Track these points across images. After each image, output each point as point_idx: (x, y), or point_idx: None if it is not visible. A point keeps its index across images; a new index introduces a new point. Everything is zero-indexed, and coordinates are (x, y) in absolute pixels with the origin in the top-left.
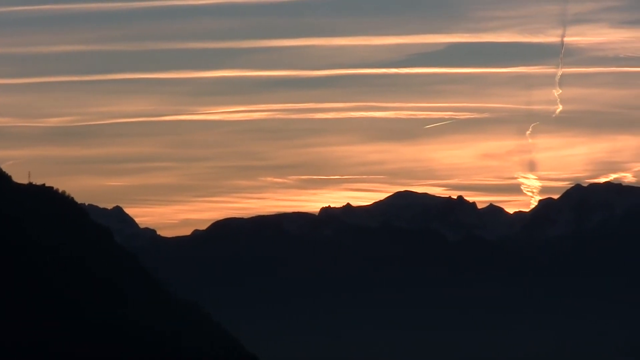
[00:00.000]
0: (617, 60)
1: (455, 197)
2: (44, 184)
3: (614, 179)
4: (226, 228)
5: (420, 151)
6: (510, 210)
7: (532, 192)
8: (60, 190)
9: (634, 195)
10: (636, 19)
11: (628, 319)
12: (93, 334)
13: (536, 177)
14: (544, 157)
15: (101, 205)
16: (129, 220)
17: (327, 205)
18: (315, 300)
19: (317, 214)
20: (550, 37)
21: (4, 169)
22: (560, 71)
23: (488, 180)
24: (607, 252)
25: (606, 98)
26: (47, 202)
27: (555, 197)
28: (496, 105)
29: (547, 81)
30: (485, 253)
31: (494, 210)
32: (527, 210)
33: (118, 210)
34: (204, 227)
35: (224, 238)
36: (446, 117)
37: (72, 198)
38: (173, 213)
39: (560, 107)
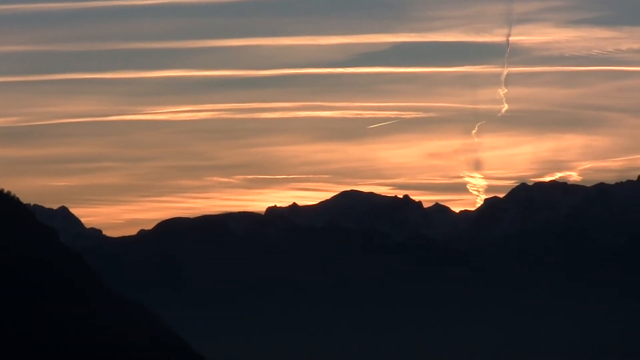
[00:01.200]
0: (562, 60)
1: (401, 197)
2: None
3: (559, 177)
4: (172, 228)
5: (366, 150)
6: (457, 209)
7: (478, 191)
8: (5, 191)
9: (578, 194)
10: (581, 18)
11: (572, 315)
12: (38, 333)
13: (482, 176)
14: (490, 156)
15: (47, 206)
16: (74, 221)
17: (273, 205)
18: (263, 299)
19: (263, 214)
20: (495, 37)
21: None
22: (506, 70)
23: (434, 180)
24: (552, 250)
25: (552, 97)
26: None
27: (501, 195)
28: (442, 105)
29: (492, 80)
30: (431, 252)
31: (440, 210)
32: (473, 209)
33: (64, 211)
34: (149, 226)
35: (170, 238)
36: (392, 116)
37: (18, 198)
38: (119, 213)
39: (506, 107)
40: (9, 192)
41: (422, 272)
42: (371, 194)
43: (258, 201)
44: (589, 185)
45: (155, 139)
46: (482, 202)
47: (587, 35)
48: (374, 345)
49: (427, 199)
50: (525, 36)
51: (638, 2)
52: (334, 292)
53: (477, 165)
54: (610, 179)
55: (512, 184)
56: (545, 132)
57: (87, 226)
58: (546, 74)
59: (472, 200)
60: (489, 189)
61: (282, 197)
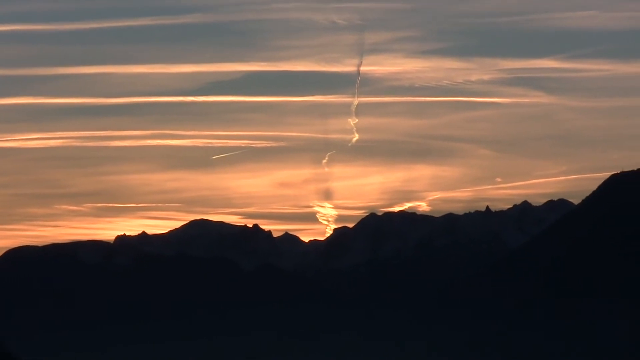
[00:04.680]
0: (412, 90)
1: (251, 226)
2: None
3: (409, 207)
4: (20, 256)
5: (216, 179)
6: (306, 238)
7: (328, 221)
8: None
9: (427, 224)
10: (431, 49)
11: (424, 340)
12: None
13: (332, 206)
14: (340, 186)
15: None
16: None
17: (122, 234)
18: (111, 328)
19: (112, 242)
20: (346, 67)
21: None
22: (357, 100)
23: (284, 209)
24: (401, 280)
25: (402, 127)
26: None
27: (351, 225)
28: (292, 134)
29: (343, 110)
30: (280, 281)
31: (289, 239)
32: (322, 238)
33: None
34: None
35: (18, 266)
36: (243, 145)
37: None
38: None
39: (356, 136)
40: None
41: (272, 301)
42: (221, 223)
43: (107, 230)
44: (437, 215)
45: (4, 167)
46: (331, 232)
47: (437, 66)
48: None
49: (277, 229)
50: (376, 66)
51: (488, 34)
52: (183, 320)
53: (327, 195)
54: (458, 209)
55: (361, 213)
56: (395, 162)
57: None
58: (396, 104)
59: (321, 229)
60: (338, 218)
61: (131, 226)
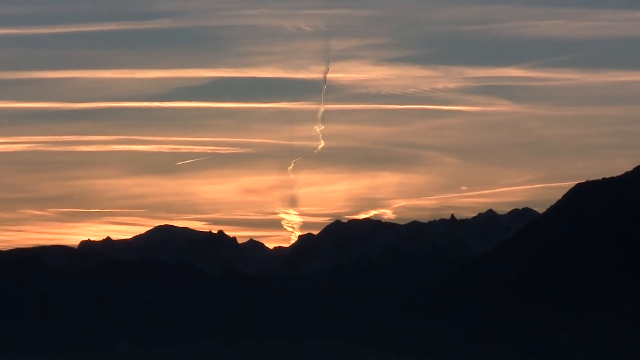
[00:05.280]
0: (379, 98)
1: (216, 232)
2: None
3: (374, 215)
4: None
5: (181, 185)
6: (271, 245)
7: (293, 228)
8: None
9: (392, 232)
10: (398, 56)
11: (387, 347)
12: None
13: (297, 213)
14: (305, 192)
15: None
16: None
17: (86, 239)
18: (74, 333)
19: (76, 247)
20: (313, 73)
21: None
22: (323, 107)
23: (249, 215)
24: (366, 288)
25: (368, 135)
26: None
27: (316, 232)
28: (258, 141)
29: (309, 117)
30: (245, 288)
31: (254, 245)
32: (287, 245)
33: None
34: None
35: None
36: (208, 151)
37: None
38: None
39: (322, 143)
40: None
41: (236, 308)
42: (186, 228)
43: (72, 235)
44: (402, 223)
45: None
46: (296, 239)
47: (403, 73)
48: None
49: (241, 235)
50: (343, 73)
51: (455, 42)
52: (147, 326)
53: (293, 202)
54: (423, 217)
55: (326, 220)
56: (361, 169)
57: None
58: (363, 111)
59: (286, 236)
60: (303, 225)
61: (96, 231)
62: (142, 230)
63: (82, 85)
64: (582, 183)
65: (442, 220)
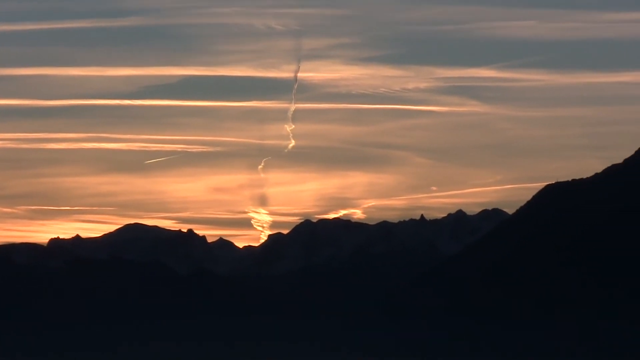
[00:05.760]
0: (349, 97)
1: (185, 231)
2: None
3: (344, 215)
4: None
5: (151, 183)
6: (240, 244)
7: (263, 227)
8: None
9: (362, 232)
10: (369, 56)
11: (354, 348)
12: None
13: (267, 212)
14: (275, 192)
15: None
16: None
17: (56, 237)
18: (43, 332)
19: (45, 245)
20: (284, 72)
21: None
22: (294, 106)
23: (219, 214)
24: (335, 287)
25: (338, 134)
26: None
27: (285, 232)
28: (229, 139)
29: (280, 116)
30: (215, 287)
31: (224, 244)
32: (256, 244)
33: None
34: None
35: None
36: (179, 150)
37: None
38: None
39: (292, 143)
40: None
41: (206, 306)
42: (156, 227)
43: (41, 232)
44: (372, 223)
45: None
46: (266, 238)
47: (374, 73)
48: None
49: (211, 234)
50: (314, 73)
51: (425, 42)
52: (117, 325)
53: (263, 201)
54: (393, 217)
55: (296, 220)
56: (331, 169)
57: None
58: (333, 111)
59: (256, 235)
60: (273, 224)
61: (65, 229)
62: (111, 228)
63: (52, 82)
64: (552, 184)
65: (412, 221)
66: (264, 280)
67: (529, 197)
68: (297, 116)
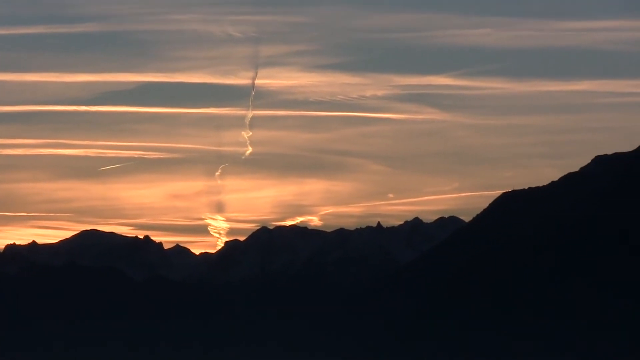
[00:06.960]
0: (306, 104)
1: (142, 237)
2: None
3: (300, 222)
4: None
5: (107, 190)
6: (197, 250)
7: (219, 234)
8: None
9: (318, 239)
10: (326, 63)
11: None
12: None
13: (224, 219)
14: (233, 198)
15: None
16: None
17: (12, 243)
18: (2, 336)
19: (1, 251)
20: (241, 79)
21: None
22: (251, 113)
23: (175, 221)
24: (291, 294)
25: (295, 141)
26: None
27: (242, 238)
28: (186, 146)
29: (237, 123)
30: (170, 293)
31: (180, 251)
32: (213, 251)
33: None
34: None
35: None
36: (135, 156)
37: None
38: None
39: (250, 149)
40: None
41: (161, 313)
42: (112, 233)
43: None
44: (328, 230)
45: None
46: (222, 245)
47: (331, 80)
48: None
49: (167, 240)
50: (271, 79)
51: (383, 50)
52: (73, 331)
53: (220, 208)
54: (350, 224)
55: (253, 227)
56: (288, 176)
57: None
58: (290, 117)
59: (213, 242)
60: (230, 231)
61: (21, 235)
62: (67, 234)
63: (9, 87)
64: (508, 192)
65: (368, 228)
66: (220, 287)
67: (485, 205)
68: (255, 123)
